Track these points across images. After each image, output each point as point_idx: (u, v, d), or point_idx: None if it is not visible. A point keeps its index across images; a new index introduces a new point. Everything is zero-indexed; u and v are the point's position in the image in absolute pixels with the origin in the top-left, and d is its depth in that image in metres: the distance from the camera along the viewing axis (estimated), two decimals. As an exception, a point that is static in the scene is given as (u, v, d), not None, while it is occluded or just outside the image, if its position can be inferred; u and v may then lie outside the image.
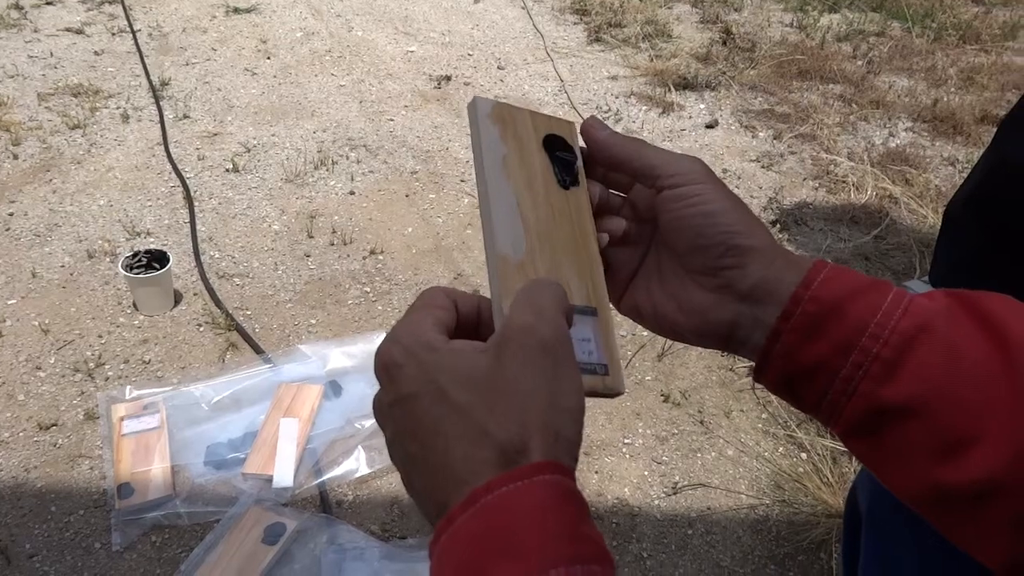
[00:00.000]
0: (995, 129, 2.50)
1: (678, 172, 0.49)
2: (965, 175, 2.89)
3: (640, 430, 1.84)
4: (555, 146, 0.52)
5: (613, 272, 0.54)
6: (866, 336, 0.43)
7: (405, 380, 0.40)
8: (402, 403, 0.40)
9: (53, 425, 1.74)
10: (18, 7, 3.71)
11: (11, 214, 2.39)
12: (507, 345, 0.39)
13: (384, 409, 0.42)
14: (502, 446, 0.37)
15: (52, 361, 1.90)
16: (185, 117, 2.95)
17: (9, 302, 2.07)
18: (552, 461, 0.37)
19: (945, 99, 3.45)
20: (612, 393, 0.47)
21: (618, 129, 3.05)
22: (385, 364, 0.41)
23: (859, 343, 0.43)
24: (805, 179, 2.86)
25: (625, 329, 2.10)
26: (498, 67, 3.55)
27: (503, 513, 0.35)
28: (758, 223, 0.48)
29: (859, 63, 3.80)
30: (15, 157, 2.65)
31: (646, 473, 1.73)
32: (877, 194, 2.75)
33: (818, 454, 1.76)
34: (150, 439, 1.69)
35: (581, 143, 0.54)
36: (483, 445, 0.37)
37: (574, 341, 0.43)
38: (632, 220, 0.53)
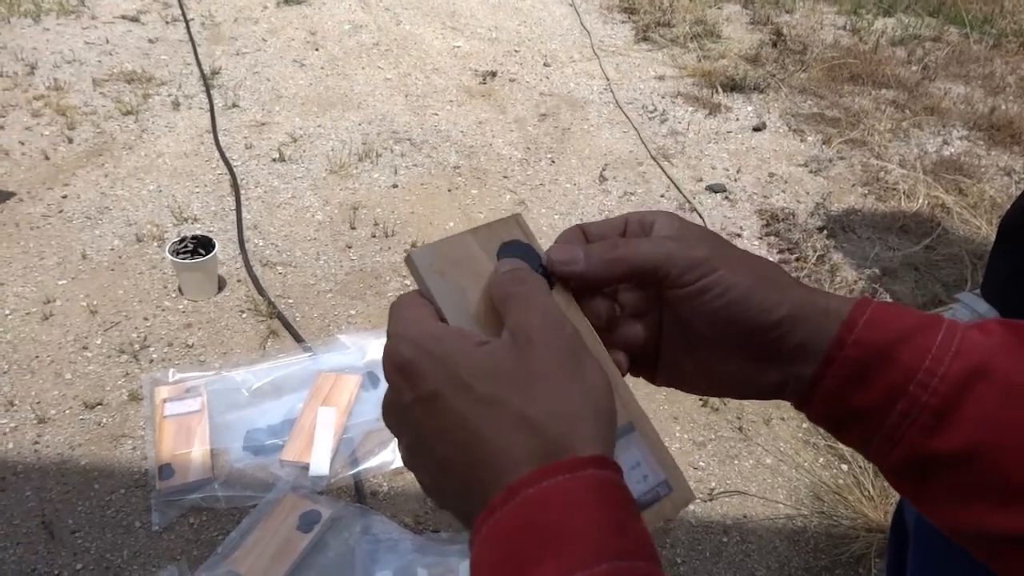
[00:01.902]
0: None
1: (685, 269, 0.43)
2: (1023, 186, 2.81)
3: (677, 434, 1.82)
4: (514, 254, 0.46)
5: (632, 352, 0.48)
6: (914, 384, 0.41)
7: (423, 378, 0.39)
8: (424, 403, 0.39)
9: (98, 404, 1.78)
10: (77, -6, 3.79)
11: (64, 196, 2.45)
12: (530, 343, 0.38)
13: (401, 412, 0.40)
14: (545, 436, 0.36)
15: (99, 342, 1.94)
16: (234, 106, 2.99)
17: (60, 282, 2.12)
18: (599, 455, 0.36)
19: (1003, 107, 3.35)
20: (684, 507, 0.44)
21: (663, 130, 3.02)
22: (397, 365, 0.40)
23: (907, 391, 0.41)
24: (854, 185, 2.80)
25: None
26: (544, 64, 3.54)
27: (548, 506, 0.34)
28: (783, 281, 0.44)
29: (914, 68, 3.71)
30: (70, 141, 2.71)
31: (682, 478, 1.71)
32: (929, 203, 2.69)
33: (860, 466, 1.72)
34: (191, 422, 1.71)
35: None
36: (524, 435, 0.36)
37: (625, 471, 0.40)
38: (629, 293, 0.48)
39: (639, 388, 0.47)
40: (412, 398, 0.39)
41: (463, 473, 0.38)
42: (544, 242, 0.45)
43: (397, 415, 0.41)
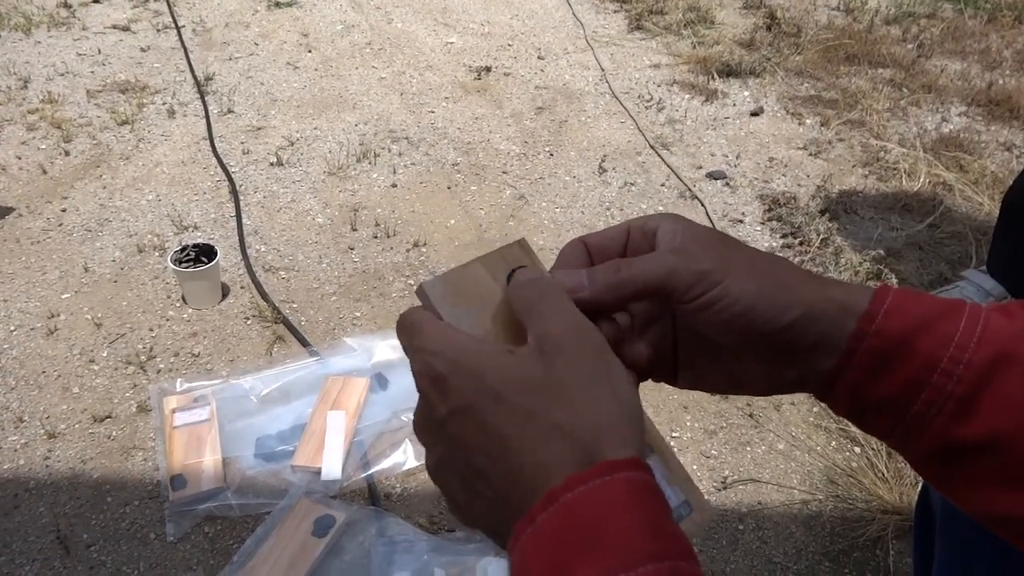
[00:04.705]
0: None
1: (690, 284, 0.43)
2: (1023, 161, 2.80)
3: (688, 423, 1.81)
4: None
5: (644, 367, 0.47)
6: (938, 372, 0.40)
7: (457, 391, 0.39)
8: (457, 415, 0.39)
9: (107, 417, 1.77)
10: (67, 6, 3.78)
11: (64, 210, 2.44)
12: (560, 350, 0.38)
13: (435, 425, 0.40)
14: (579, 442, 0.36)
15: (105, 354, 1.94)
16: (229, 112, 2.98)
17: (63, 296, 2.11)
18: (632, 458, 0.36)
19: (1000, 82, 3.34)
20: (706, 524, 0.44)
21: (660, 118, 3.01)
22: (431, 379, 0.40)
23: (931, 380, 0.40)
24: (854, 166, 2.79)
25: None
26: (538, 57, 3.52)
27: (586, 510, 0.34)
28: (793, 280, 0.43)
29: (909, 46, 3.70)
30: (67, 154, 2.70)
31: (695, 467, 1.71)
32: (930, 181, 2.68)
33: (872, 448, 1.72)
34: (201, 431, 1.71)
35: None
36: (557, 443, 0.36)
37: None
38: (640, 303, 0.48)
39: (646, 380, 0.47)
40: (446, 411, 0.39)
41: (499, 483, 0.38)
42: (549, 238, 0.44)
43: (430, 428, 0.41)
